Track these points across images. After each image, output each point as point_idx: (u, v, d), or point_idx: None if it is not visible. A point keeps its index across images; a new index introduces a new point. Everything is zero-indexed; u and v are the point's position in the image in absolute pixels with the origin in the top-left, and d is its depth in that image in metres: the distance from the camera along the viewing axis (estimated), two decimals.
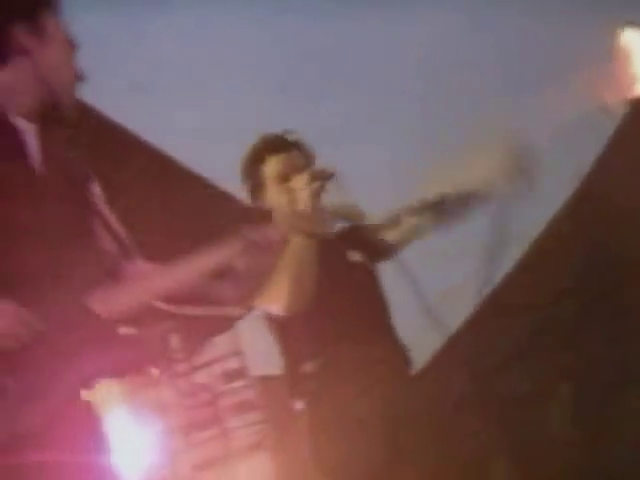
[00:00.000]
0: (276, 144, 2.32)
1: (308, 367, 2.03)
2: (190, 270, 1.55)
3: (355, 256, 2.28)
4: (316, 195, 2.03)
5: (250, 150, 2.34)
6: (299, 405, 2.04)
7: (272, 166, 2.26)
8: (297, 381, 2.02)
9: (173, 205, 6.03)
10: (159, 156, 6.11)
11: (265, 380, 7.76)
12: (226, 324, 7.85)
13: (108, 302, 1.40)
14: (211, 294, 1.69)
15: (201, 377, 7.66)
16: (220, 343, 7.68)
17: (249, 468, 7.34)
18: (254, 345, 7.88)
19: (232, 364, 7.60)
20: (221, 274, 1.64)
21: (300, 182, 2.03)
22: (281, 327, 2.12)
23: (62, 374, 1.29)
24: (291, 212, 1.97)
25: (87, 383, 1.36)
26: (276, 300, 2.01)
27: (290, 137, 2.33)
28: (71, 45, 1.71)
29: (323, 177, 2.05)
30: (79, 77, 1.71)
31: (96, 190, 1.65)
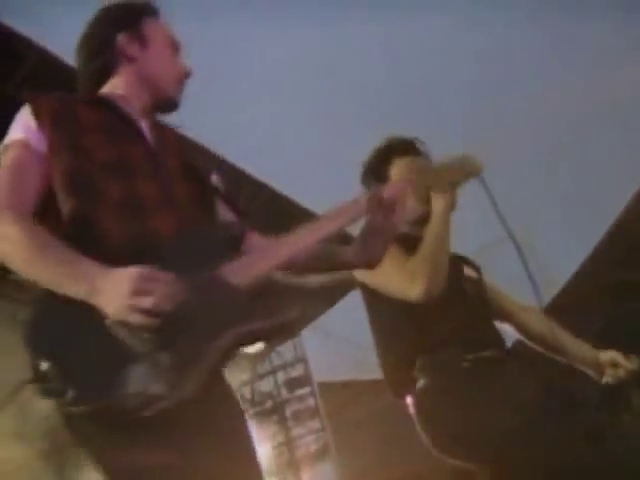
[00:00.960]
0: (403, 147, 2.36)
1: (420, 361, 2.07)
2: (314, 235, 1.54)
3: (471, 272, 2.34)
4: (456, 191, 2.10)
5: (376, 151, 2.36)
6: (408, 399, 2.08)
7: (399, 167, 2.29)
8: (405, 373, 2.07)
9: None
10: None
11: (328, 387, 7.83)
12: (290, 332, 7.93)
13: (237, 274, 1.39)
14: (334, 258, 1.69)
15: (265, 385, 7.75)
16: (284, 351, 7.76)
17: (314, 475, 7.40)
18: (317, 352, 7.96)
19: (296, 372, 7.67)
20: (343, 237, 1.63)
21: (435, 180, 2.07)
22: (392, 320, 2.16)
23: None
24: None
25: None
26: (414, 284, 2.04)
27: (415, 142, 2.37)
28: (173, 45, 1.78)
29: (467, 176, 2.08)
30: (185, 74, 1.74)
31: (215, 179, 1.73)
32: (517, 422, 1.91)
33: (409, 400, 2.10)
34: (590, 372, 2.32)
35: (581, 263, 6.37)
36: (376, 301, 2.18)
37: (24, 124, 1.52)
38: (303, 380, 7.63)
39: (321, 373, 7.82)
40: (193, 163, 1.71)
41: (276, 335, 1.36)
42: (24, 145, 1.49)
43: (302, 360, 7.68)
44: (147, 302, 1.24)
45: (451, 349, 2.05)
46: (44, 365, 1.25)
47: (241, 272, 1.39)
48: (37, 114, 1.52)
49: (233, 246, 1.55)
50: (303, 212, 6.78)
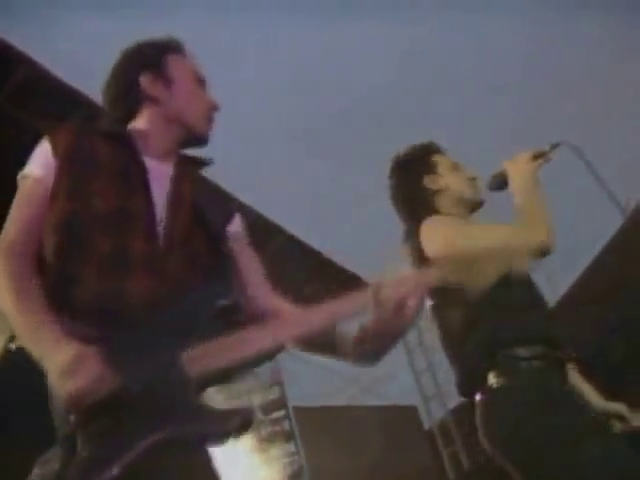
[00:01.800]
0: (438, 147, 2.52)
1: (498, 357, 2.07)
2: (328, 315, 1.41)
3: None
4: (538, 169, 2.26)
5: (415, 147, 2.50)
6: (477, 396, 2.07)
7: (442, 158, 2.45)
8: (479, 369, 2.07)
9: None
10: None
11: (304, 411, 7.80)
12: (267, 355, 7.88)
13: (203, 360, 1.30)
14: (333, 348, 1.52)
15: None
16: (261, 373, 7.73)
17: None
18: (293, 376, 7.93)
19: (272, 394, 7.64)
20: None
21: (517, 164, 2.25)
22: (468, 316, 2.15)
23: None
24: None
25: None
26: (536, 232, 2.10)
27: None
28: (198, 80, 1.73)
29: (547, 154, 2.27)
30: (213, 107, 1.72)
31: (235, 227, 1.67)
32: (585, 431, 1.90)
33: (478, 397, 2.08)
34: None
35: (580, 273, 6.37)
36: (451, 296, 2.16)
37: (43, 160, 1.48)
38: (279, 403, 7.61)
39: (297, 397, 7.81)
40: (212, 216, 1.60)
41: (212, 441, 1.24)
42: (39, 182, 1.46)
43: (278, 383, 7.66)
44: (70, 385, 1.19)
45: (527, 346, 2.05)
46: None
47: (207, 359, 1.29)
48: (55, 151, 1.48)
49: (228, 316, 1.41)
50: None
